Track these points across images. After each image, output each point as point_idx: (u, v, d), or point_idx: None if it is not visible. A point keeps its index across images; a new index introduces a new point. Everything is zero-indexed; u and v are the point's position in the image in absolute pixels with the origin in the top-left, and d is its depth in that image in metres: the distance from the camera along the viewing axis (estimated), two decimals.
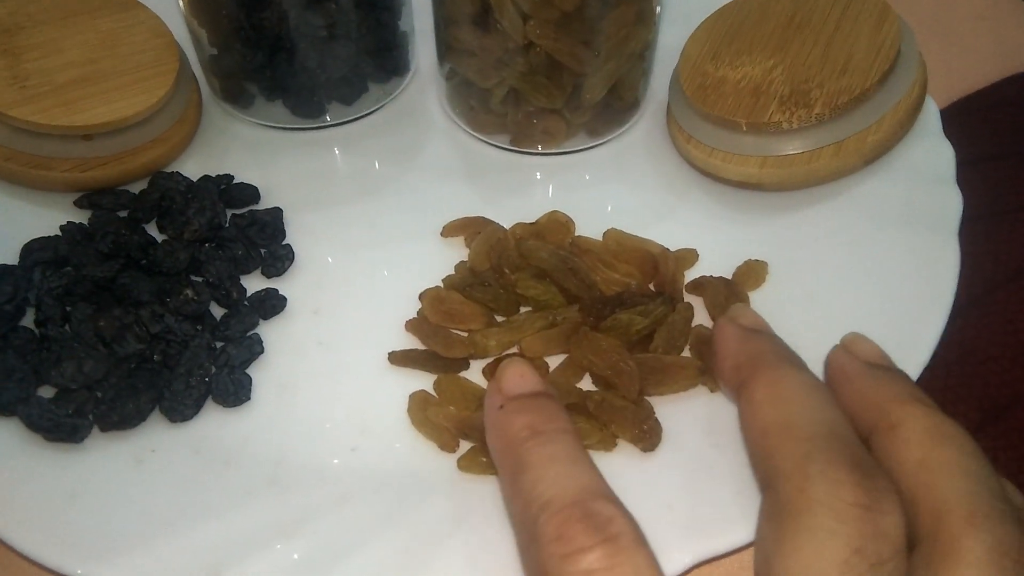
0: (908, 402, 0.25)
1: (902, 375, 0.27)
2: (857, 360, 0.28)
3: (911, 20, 0.39)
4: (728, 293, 0.34)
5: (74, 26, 0.39)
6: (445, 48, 0.41)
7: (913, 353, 0.32)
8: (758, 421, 0.25)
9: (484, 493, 0.30)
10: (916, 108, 0.38)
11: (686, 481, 0.30)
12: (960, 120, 0.42)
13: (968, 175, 0.38)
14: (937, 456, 0.24)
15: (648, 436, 0.30)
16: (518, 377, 0.27)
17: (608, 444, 0.31)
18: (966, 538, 0.22)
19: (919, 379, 0.32)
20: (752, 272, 0.36)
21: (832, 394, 0.26)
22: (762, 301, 0.35)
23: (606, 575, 0.22)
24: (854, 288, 0.35)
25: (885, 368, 0.27)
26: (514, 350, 0.34)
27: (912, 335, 0.33)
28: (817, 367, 0.29)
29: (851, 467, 0.23)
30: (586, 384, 0.33)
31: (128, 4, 0.41)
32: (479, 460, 0.30)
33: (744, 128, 0.37)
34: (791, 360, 0.27)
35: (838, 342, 0.29)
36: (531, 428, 0.25)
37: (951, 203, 0.36)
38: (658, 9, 0.39)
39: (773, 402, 0.25)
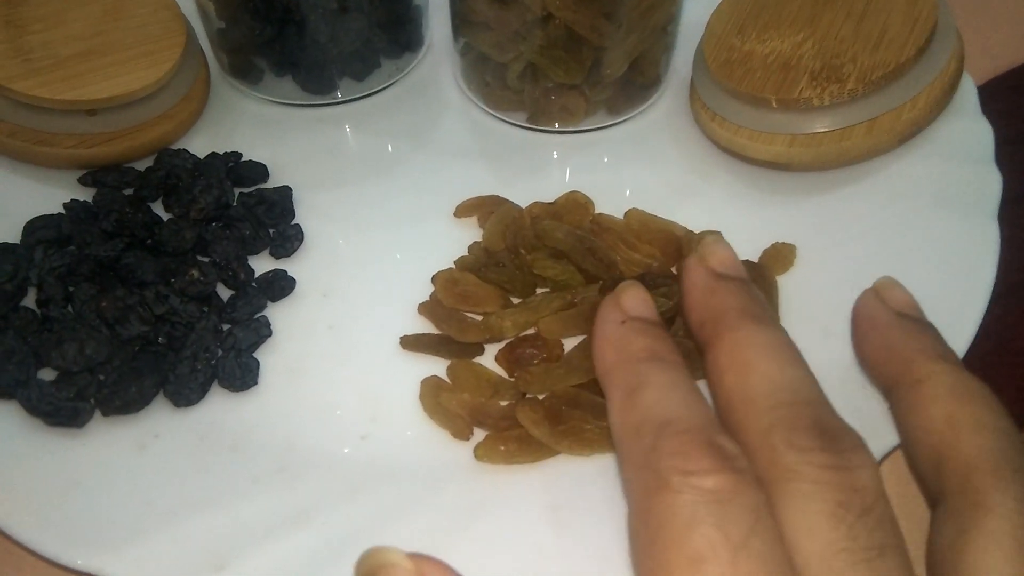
0: (934, 358, 0.25)
1: (931, 328, 0.27)
2: (886, 308, 0.27)
3: None
4: (755, 276, 0.33)
5: None
6: (460, 21, 0.39)
7: (950, 342, 0.30)
8: (722, 390, 0.25)
9: (499, 483, 0.29)
10: (953, 84, 0.36)
11: None
12: (998, 97, 0.40)
13: (1008, 154, 0.36)
14: (963, 413, 0.24)
15: None
16: (640, 301, 0.27)
17: None
18: (995, 492, 0.22)
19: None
20: (780, 255, 0.34)
21: (797, 351, 0.25)
22: (791, 286, 0.33)
23: (730, 497, 0.21)
24: (887, 273, 0.33)
25: (914, 320, 0.27)
26: (531, 331, 0.33)
27: (949, 323, 0.31)
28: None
29: (815, 433, 0.23)
30: None
31: None
32: (497, 449, 0.29)
33: (773, 104, 0.35)
34: (755, 315, 0.26)
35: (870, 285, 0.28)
36: (652, 352, 0.25)
37: (990, 184, 0.35)
38: None
39: (734, 368, 0.25)
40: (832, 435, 0.23)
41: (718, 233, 0.28)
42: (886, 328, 0.27)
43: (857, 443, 0.23)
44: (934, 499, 0.24)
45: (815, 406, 0.23)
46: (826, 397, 0.24)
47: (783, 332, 0.26)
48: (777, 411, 0.23)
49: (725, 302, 0.26)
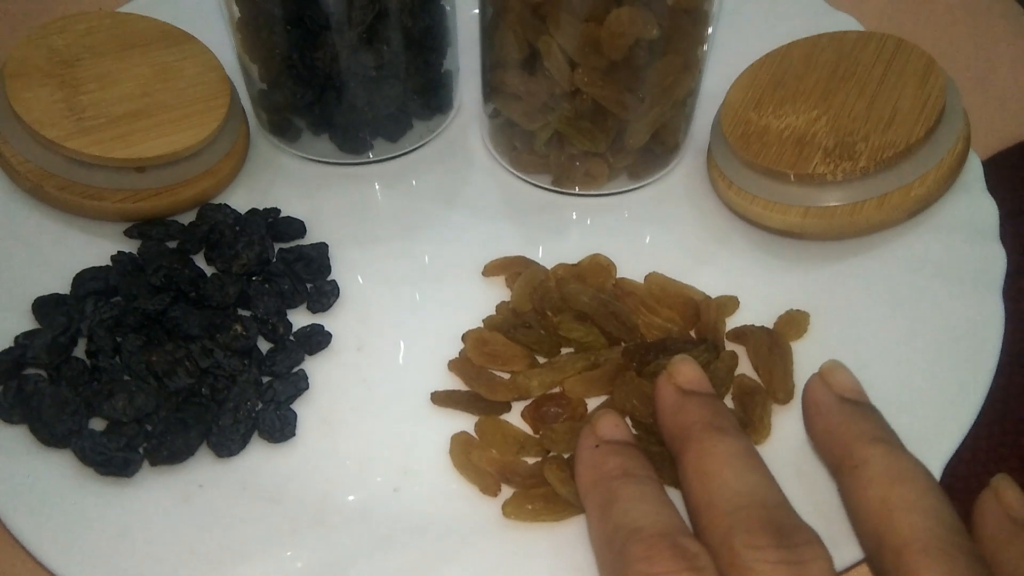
0: (871, 442, 0.27)
1: (871, 411, 0.29)
2: (831, 393, 0.30)
3: (948, 68, 0.39)
4: (771, 343, 0.35)
5: (130, 59, 0.40)
6: (490, 90, 0.41)
7: (958, 412, 0.32)
8: (690, 498, 0.27)
9: (526, 540, 0.30)
10: (960, 163, 0.38)
11: None
12: (1001, 172, 0.42)
13: (1011, 227, 0.38)
14: (895, 495, 0.26)
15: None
16: (612, 426, 0.30)
17: None
18: (924, 570, 0.24)
19: (963, 439, 0.32)
20: (794, 322, 0.36)
21: (756, 457, 0.28)
22: (804, 351, 0.35)
23: None
24: (896, 342, 0.35)
25: (855, 404, 0.29)
26: (556, 390, 0.34)
27: (956, 394, 0.33)
28: None
29: (770, 532, 0.25)
30: None
31: (182, 38, 0.42)
32: (524, 507, 0.30)
33: (791, 179, 0.37)
34: (718, 427, 0.28)
35: (817, 370, 0.31)
36: (623, 469, 0.28)
37: (994, 260, 0.36)
38: (704, 51, 0.39)
39: (698, 477, 0.27)
40: (785, 532, 0.25)
41: (685, 356, 0.32)
42: (828, 414, 0.29)
43: (810, 538, 0.25)
44: None
45: (770, 508, 0.26)
46: (783, 497, 0.27)
47: (744, 440, 0.28)
48: (735, 514, 0.25)
49: (691, 417, 0.29)
